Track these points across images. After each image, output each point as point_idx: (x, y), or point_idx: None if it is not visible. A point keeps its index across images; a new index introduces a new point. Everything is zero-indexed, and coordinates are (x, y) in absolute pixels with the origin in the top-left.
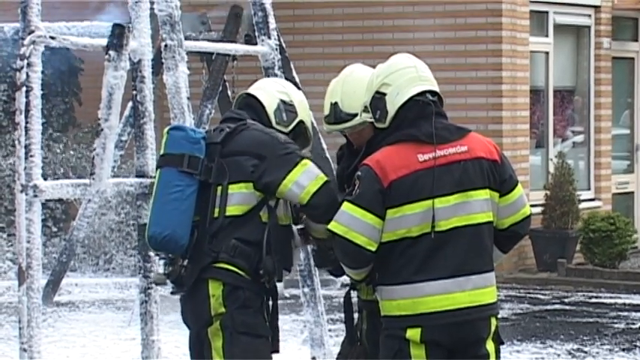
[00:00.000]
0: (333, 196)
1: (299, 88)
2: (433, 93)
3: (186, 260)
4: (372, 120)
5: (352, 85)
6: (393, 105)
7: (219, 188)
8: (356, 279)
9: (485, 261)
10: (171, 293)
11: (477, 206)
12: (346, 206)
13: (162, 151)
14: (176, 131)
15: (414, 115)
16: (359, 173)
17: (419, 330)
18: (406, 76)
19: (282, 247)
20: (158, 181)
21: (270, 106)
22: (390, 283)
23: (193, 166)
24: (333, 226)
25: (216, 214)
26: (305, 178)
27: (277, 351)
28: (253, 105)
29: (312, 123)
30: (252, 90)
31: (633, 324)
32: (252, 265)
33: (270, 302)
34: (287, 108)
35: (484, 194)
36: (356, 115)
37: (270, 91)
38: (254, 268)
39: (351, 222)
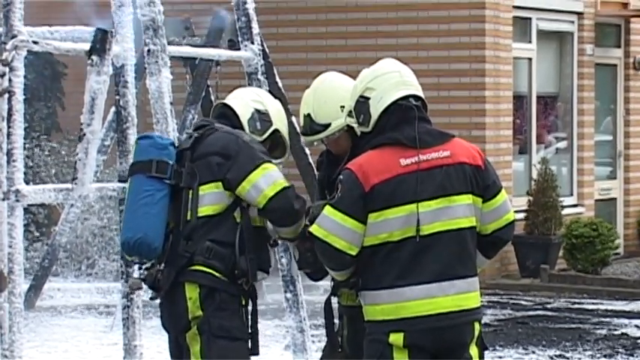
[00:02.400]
0: (290, 203)
1: (282, 93)
2: (417, 98)
3: (162, 264)
4: (346, 128)
5: (323, 95)
6: (376, 109)
7: (191, 191)
8: (339, 279)
9: (469, 266)
10: (150, 299)
11: (460, 211)
12: (328, 210)
13: (132, 161)
14: (144, 140)
15: (397, 119)
16: (341, 177)
17: (402, 335)
18: (390, 80)
19: (256, 247)
20: (129, 189)
21: (244, 115)
22: (373, 287)
23: (162, 171)
24: (314, 229)
25: (189, 217)
26: (263, 182)
27: (257, 353)
28: (228, 114)
29: (294, 129)
30: (227, 99)
31: (615, 330)
32: (227, 267)
33: (250, 304)
34: (261, 117)
35: (467, 199)
36: (329, 124)
37: (245, 100)
38: (230, 269)
39: (331, 226)
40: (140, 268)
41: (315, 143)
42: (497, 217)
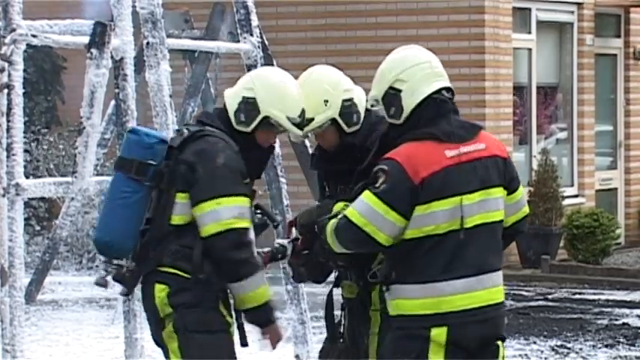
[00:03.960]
0: (227, 247)
1: None
2: (447, 89)
3: (132, 262)
4: (330, 122)
5: (307, 89)
6: (409, 103)
7: (169, 195)
8: (339, 255)
9: (499, 259)
10: (121, 294)
11: (494, 204)
12: (370, 199)
13: (119, 154)
14: (132, 135)
15: (432, 114)
16: (384, 167)
17: (445, 329)
18: (422, 72)
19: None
20: (110, 185)
21: (232, 108)
22: (412, 281)
23: (142, 173)
24: (351, 213)
25: (164, 220)
26: (209, 217)
27: (245, 345)
28: (224, 107)
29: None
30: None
31: (616, 320)
32: (194, 267)
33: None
34: (247, 107)
35: (500, 192)
36: (313, 119)
37: (236, 89)
38: (196, 270)
39: (373, 216)
40: (110, 264)
41: (310, 135)
42: (517, 210)
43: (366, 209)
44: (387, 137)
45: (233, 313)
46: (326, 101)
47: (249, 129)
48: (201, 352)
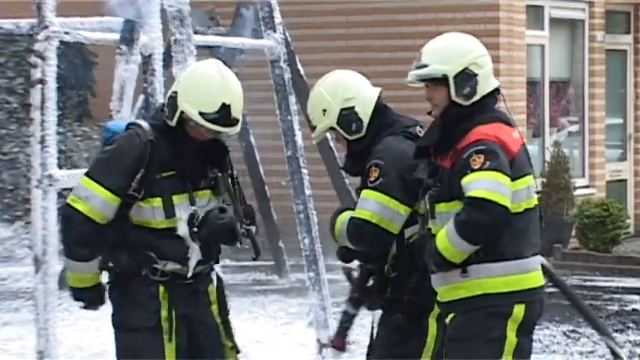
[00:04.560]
0: (62, 220)
1: (304, 80)
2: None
3: None
4: (329, 129)
5: (312, 100)
6: (482, 88)
7: None
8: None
9: None
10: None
11: (533, 187)
12: (493, 174)
13: None
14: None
15: (493, 104)
16: (484, 147)
17: (523, 306)
18: (490, 64)
19: (136, 243)
20: None
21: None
22: (496, 259)
23: None
24: (483, 193)
25: None
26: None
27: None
28: None
29: (228, 107)
30: None
31: (626, 306)
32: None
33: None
34: (170, 102)
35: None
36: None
37: (175, 84)
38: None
39: (502, 189)
40: None
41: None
42: (530, 196)
43: (494, 184)
44: (449, 117)
45: None
46: (324, 110)
47: (173, 123)
48: (121, 351)
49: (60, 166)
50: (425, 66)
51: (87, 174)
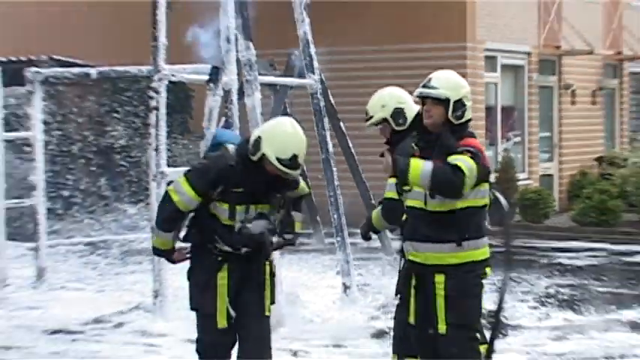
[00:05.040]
0: (159, 205)
1: (333, 107)
2: None
3: None
4: (382, 120)
5: (375, 96)
6: (467, 115)
7: None
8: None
9: None
10: None
11: None
12: (471, 161)
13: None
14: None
15: (469, 126)
16: (472, 149)
17: (489, 268)
18: (471, 100)
19: (202, 227)
20: None
21: (251, 141)
22: (476, 236)
23: None
24: (462, 165)
25: None
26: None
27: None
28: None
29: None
30: None
31: (553, 260)
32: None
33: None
34: (255, 143)
35: None
36: (372, 117)
37: (258, 129)
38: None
39: (471, 169)
40: None
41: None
42: None
43: (469, 166)
44: (450, 130)
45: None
46: (383, 106)
47: (255, 159)
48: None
49: (168, 166)
50: (435, 88)
51: (185, 175)
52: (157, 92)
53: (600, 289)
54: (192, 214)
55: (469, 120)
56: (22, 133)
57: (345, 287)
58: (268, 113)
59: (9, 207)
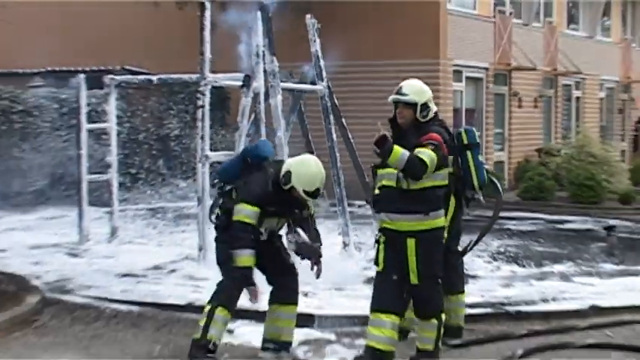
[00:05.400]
0: (234, 231)
1: (338, 108)
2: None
3: None
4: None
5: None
6: (430, 115)
7: None
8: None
9: None
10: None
11: None
12: (431, 152)
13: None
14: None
15: (433, 123)
16: (434, 142)
17: (447, 232)
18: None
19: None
20: None
21: (282, 172)
22: (438, 208)
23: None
24: (424, 155)
25: None
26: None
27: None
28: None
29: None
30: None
31: (503, 226)
32: None
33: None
34: (286, 175)
35: None
36: (408, 95)
37: (288, 162)
38: None
39: (431, 159)
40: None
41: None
42: None
43: (429, 156)
44: (418, 126)
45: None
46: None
47: (285, 188)
48: None
49: (210, 150)
50: (405, 95)
51: (242, 200)
52: (202, 94)
53: (538, 249)
54: (224, 216)
55: (433, 118)
56: (100, 125)
57: (345, 245)
58: (287, 111)
59: (90, 180)
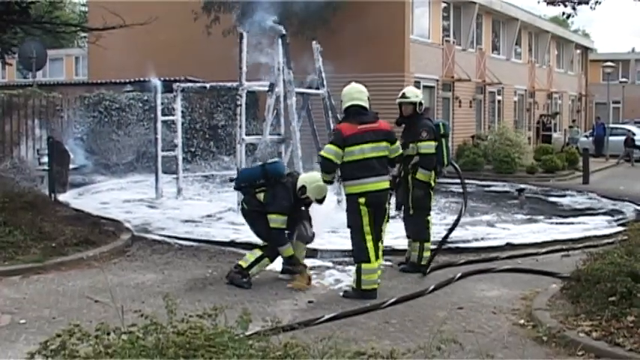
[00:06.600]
0: (275, 237)
1: (335, 110)
2: (360, 106)
3: None
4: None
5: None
6: (421, 109)
7: None
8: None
9: (386, 170)
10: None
11: (382, 148)
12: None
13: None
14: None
15: (352, 115)
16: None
17: (364, 198)
18: (349, 96)
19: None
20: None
21: (298, 185)
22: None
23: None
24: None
25: None
26: (271, 221)
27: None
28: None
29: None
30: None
31: (448, 189)
32: None
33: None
34: (301, 189)
35: (384, 143)
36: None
37: (303, 178)
38: None
39: (331, 151)
40: None
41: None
42: (394, 152)
43: (328, 149)
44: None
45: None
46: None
47: (302, 197)
48: None
49: (245, 135)
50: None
51: (274, 212)
52: (240, 97)
53: (472, 204)
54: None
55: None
56: (170, 117)
57: (338, 201)
58: (299, 109)
59: (163, 156)
